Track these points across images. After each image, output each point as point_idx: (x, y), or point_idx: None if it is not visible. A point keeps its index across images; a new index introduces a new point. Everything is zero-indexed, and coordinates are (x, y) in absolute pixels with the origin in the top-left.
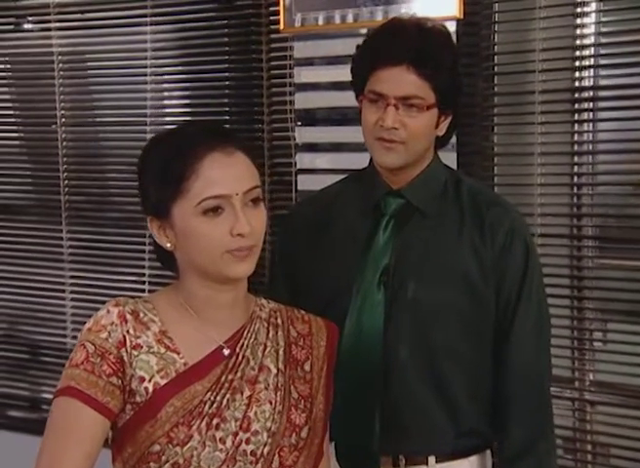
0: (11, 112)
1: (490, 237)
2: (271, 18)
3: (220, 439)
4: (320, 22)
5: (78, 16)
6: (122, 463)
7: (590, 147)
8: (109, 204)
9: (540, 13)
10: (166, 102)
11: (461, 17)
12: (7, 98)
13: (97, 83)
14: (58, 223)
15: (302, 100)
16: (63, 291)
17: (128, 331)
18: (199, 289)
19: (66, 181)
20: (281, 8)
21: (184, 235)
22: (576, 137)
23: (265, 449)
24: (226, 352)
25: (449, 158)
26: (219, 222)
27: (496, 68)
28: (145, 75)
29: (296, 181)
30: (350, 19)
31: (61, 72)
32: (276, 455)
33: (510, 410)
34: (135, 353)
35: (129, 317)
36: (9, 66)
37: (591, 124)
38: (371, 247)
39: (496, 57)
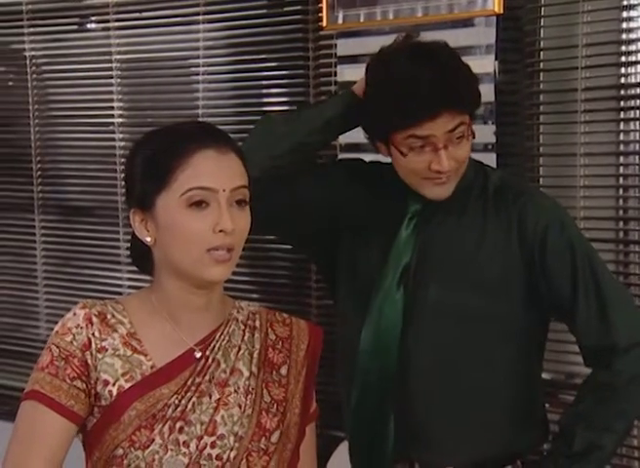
0: (72, 113)
1: (517, 232)
2: (318, 15)
3: (183, 442)
4: (362, 19)
5: (136, 15)
6: (92, 467)
7: (637, 147)
8: None
9: (585, 6)
10: (218, 102)
11: (501, 11)
12: (69, 99)
13: (151, 83)
14: (115, 224)
15: None
16: (121, 293)
17: (93, 334)
18: (173, 290)
19: (123, 182)
20: (324, 5)
21: (166, 228)
22: (621, 137)
23: (232, 454)
24: (198, 355)
25: (488, 159)
26: (202, 217)
27: (542, 65)
28: (198, 74)
29: None
30: (391, 15)
31: (119, 72)
32: (244, 460)
33: None
34: (99, 356)
35: (95, 319)
36: (71, 67)
37: (638, 123)
38: (393, 244)
39: (541, 53)
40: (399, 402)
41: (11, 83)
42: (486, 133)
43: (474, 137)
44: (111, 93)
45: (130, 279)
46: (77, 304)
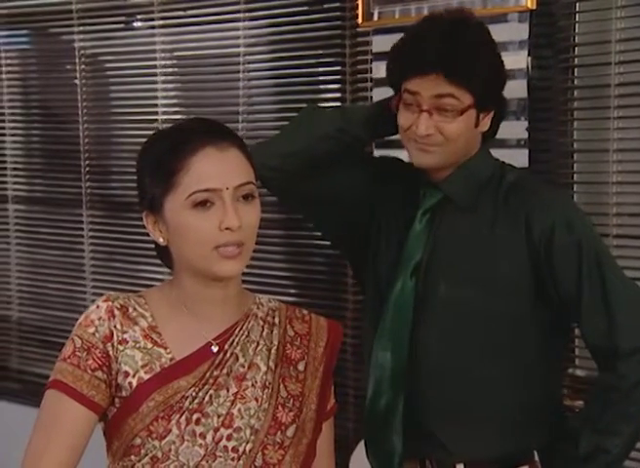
0: (120, 110)
1: (525, 230)
2: (354, 12)
3: (200, 434)
4: (396, 16)
5: (180, 13)
6: (112, 456)
7: None
8: None
9: (619, 1)
10: (258, 99)
11: (534, 7)
12: (116, 96)
13: (193, 80)
14: None
15: (381, 96)
16: None
17: (115, 327)
18: (191, 285)
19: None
20: (360, 2)
21: (175, 229)
22: None
23: (248, 446)
24: (215, 349)
25: (520, 155)
26: (207, 216)
27: (576, 60)
28: (239, 72)
29: None
30: (425, 11)
31: (163, 69)
32: (259, 453)
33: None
34: (120, 348)
35: (117, 312)
36: (118, 65)
37: None
38: (406, 241)
39: (575, 48)
40: (410, 398)
41: (76, 81)
42: (518, 129)
43: (477, 126)
44: (156, 90)
45: (170, 273)
46: (101, 297)
